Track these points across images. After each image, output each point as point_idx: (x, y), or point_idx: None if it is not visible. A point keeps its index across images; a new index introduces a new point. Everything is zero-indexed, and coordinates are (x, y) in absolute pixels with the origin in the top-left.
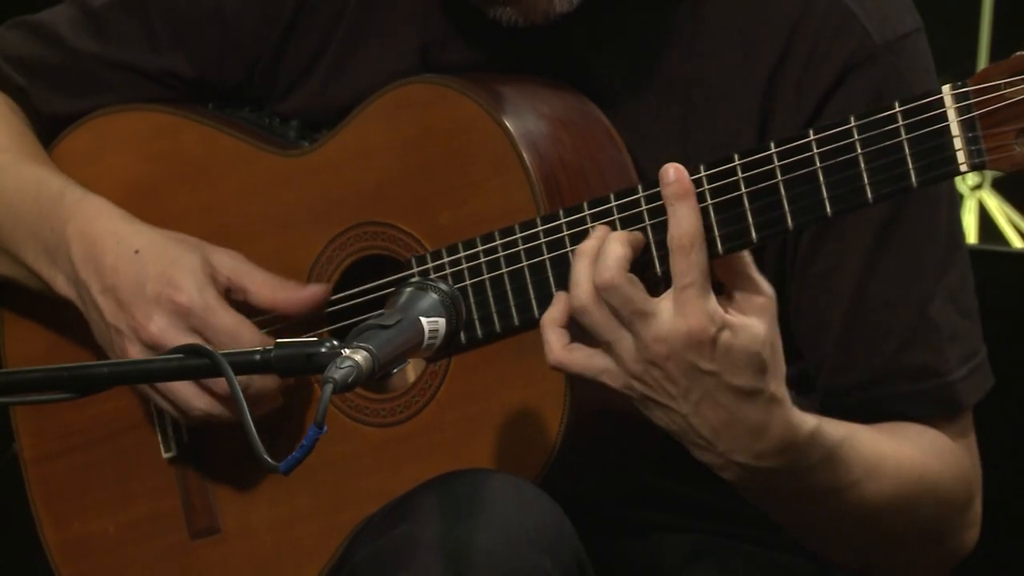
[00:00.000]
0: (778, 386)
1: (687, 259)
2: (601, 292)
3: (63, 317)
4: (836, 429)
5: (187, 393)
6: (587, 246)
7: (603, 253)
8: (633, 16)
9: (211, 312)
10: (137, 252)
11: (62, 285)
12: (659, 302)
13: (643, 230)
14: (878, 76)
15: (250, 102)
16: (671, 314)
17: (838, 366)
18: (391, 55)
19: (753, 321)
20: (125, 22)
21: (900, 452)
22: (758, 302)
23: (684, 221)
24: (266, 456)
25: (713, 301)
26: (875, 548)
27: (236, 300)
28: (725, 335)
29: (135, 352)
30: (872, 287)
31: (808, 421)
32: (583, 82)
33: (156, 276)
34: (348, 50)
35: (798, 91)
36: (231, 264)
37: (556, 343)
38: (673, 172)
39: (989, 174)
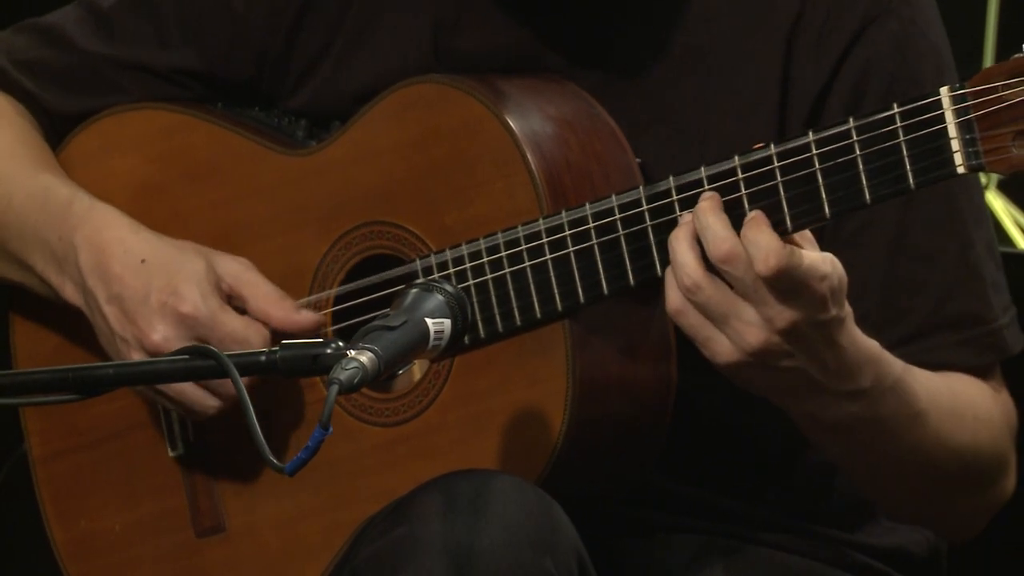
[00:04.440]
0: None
1: (787, 273)
2: (722, 264)
3: (72, 316)
4: (895, 359)
5: (196, 395)
6: (682, 231)
7: (710, 227)
8: None
9: (216, 320)
10: (143, 262)
11: (70, 292)
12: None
13: (643, 231)
14: (896, 27)
15: (261, 100)
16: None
17: (882, 322)
18: (402, 42)
19: (823, 255)
20: (135, 21)
21: (952, 388)
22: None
23: (763, 248)
24: (271, 457)
25: (816, 265)
26: (936, 487)
27: (236, 308)
28: (825, 284)
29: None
30: (911, 238)
31: (873, 341)
32: (601, 56)
33: (161, 287)
34: (359, 38)
35: (817, 49)
36: (235, 270)
37: (674, 292)
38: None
39: (995, 175)
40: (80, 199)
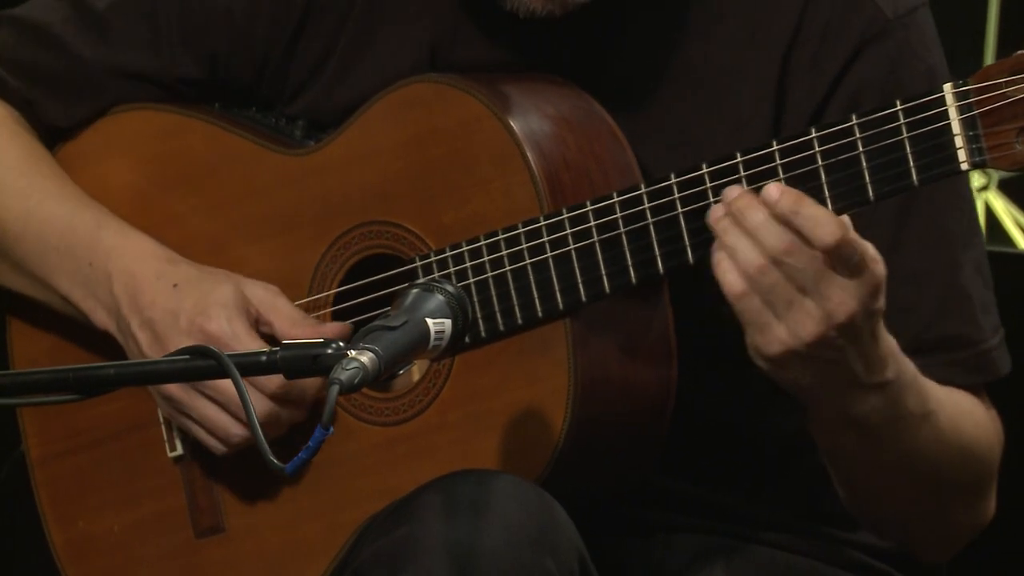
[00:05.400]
0: None
1: (850, 245)
2: (785, 256)
3: (69, 318)
4: (907, 358)
5: (224, 422)
6: (730, 224)
7: (759, 228)
8: (646, 3)
9: (239, 341)
10: (175, 286)
11: (102, 318)
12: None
13: (645, 228)
14: (891, 49)
15: (258, 102)
16: (853, 287)
17: None
18: (399, 55)
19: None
20: (132, 26)
21: (954, 396)
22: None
23: (822, 220)
24: (272, 457)
25: (870, 249)
26: (930, 494)
27: (263, 332)
28: (879, 268)
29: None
30: (899, 260)
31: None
32: (599, 72)
33: (190, 308)
34: (356, 50)
35: (813, 68)
36: (261, 296)
37: (734, 276)
38: (776, 190)
39: (995, 175)
40: (108, 224)
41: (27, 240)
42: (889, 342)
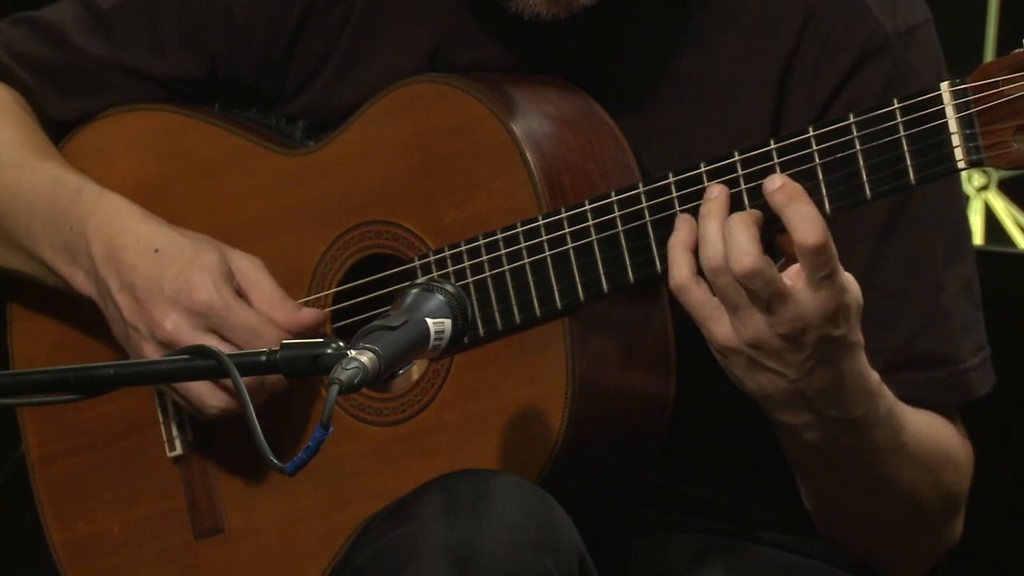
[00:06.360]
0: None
1: (826, 253)
2: (743, 280)
3: (71, 315)
4: (888, 391)
5: (201, 391)
6: (712, 207)
7: (736, 238)
8: (649, 10)
9: (230, 310)
10: (157, 251)
11: (82, 282)
12: (795, 285)
13: (643, 227)
14: (889, 66)
15: (258, 103)
16: (811, 300)
17: None
18: (400, 56)
19: (849, 275)
20: (134, 25)
21: (934, 427)
22: None
23: (810, 219)
24: (272, 457)
25: (843, 274)
26: (897, 519)
27: None
28: (847, 297)
29: (151, 351)
30: (881, 276)
31: (875, 374)
32: (600, 77)
33: (174, 275)
34: (355, 52)
35: (811, 82)
36: (245, 268)
37: (686, 267)
38: (779, 179)
39: (995, 175)
40: (89, 188)
41: (15, 209)
42: (865, 382)
